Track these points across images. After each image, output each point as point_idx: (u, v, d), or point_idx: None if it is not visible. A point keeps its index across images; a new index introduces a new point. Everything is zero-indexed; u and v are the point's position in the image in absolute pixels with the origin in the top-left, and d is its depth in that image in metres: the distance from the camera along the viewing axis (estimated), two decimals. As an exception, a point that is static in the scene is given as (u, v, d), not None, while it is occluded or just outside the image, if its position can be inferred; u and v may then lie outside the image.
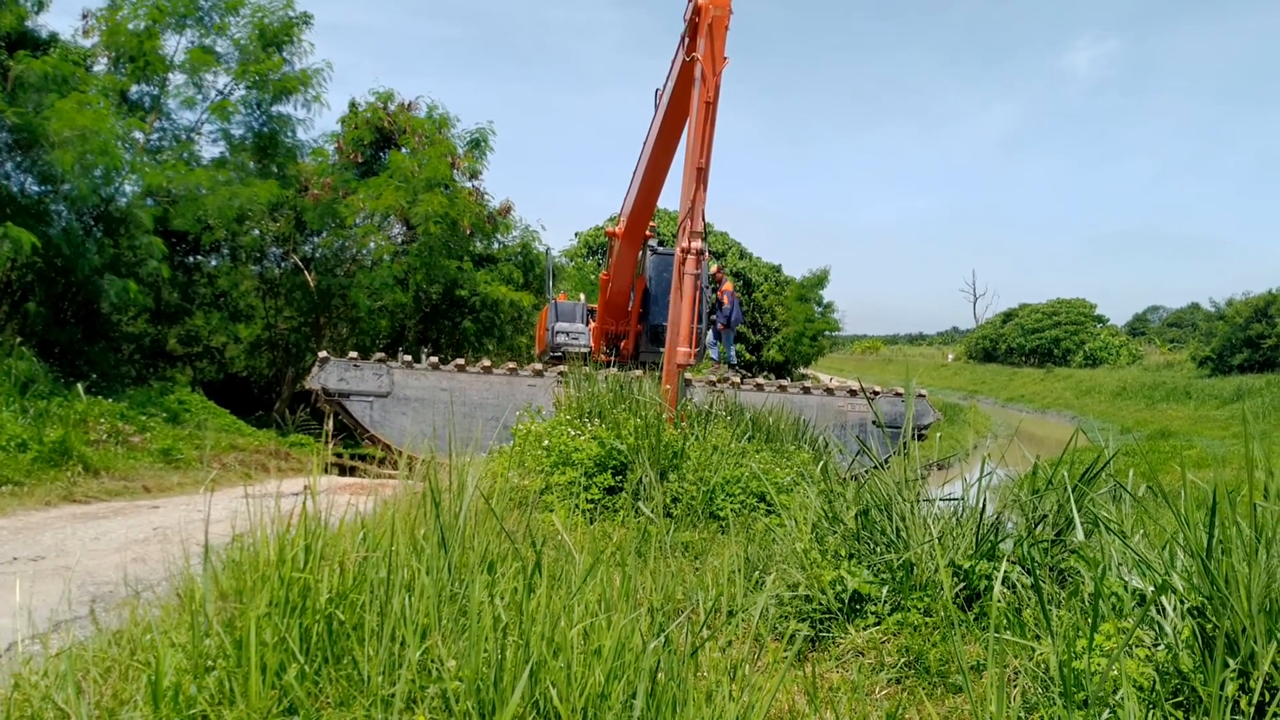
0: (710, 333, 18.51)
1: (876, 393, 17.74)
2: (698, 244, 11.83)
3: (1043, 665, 4.59)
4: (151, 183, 17.66)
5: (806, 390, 17.81)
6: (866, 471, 15.79)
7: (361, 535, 4.29)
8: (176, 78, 19.89)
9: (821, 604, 5.72)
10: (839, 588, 5.75)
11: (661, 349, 17.51)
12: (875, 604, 5.65)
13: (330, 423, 16.32)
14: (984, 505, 5.93)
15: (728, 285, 20.00)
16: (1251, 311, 50.12)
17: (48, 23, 19.24)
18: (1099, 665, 4.07)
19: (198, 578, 5.25)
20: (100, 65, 19.23)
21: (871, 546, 6.35)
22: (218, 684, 3.42)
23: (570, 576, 4.48)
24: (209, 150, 20.70)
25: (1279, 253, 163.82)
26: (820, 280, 52.53)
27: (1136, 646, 4.29)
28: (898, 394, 17.84)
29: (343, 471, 16.67)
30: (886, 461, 17.04)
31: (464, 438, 14.99)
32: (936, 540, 6.08)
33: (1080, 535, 5.66)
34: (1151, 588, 5.00)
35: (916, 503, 6.54)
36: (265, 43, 20.36)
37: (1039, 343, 75.27)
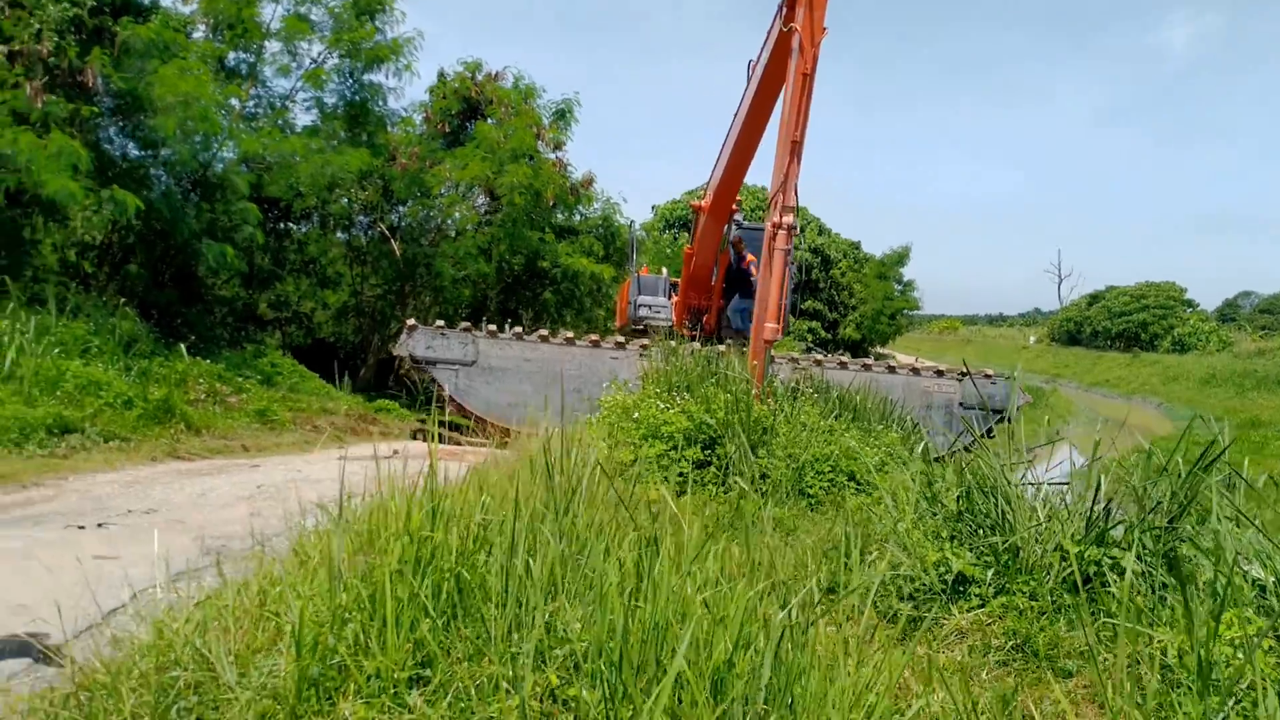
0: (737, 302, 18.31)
1: (965, 374, 17.49)
2: (789, 219, 11.74)
3: (1162, 653, 4.53)
4: (247, 149, 18.01)
5: (892, 369, 17.62)
6: (952, 453, 15.67)
7: (483, 499, 4.35)
8: (272, 45, 20.23)
9: (924, 584, 5.70)
10: (943, 569, 5.72)
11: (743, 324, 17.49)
12: (979, 586, 5.61)
13: (423, 390, 16.57)
14: (1098, 488, 5.83)
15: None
16: (1350, 299, 48.46)
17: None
18: (1224, 655, 4.01)
19: (313, 534, 5.43)
20: (199, 32, 19.60)
21: (973, 528, 6.30)
22: (354, 635, 3.52)
23: (685, 547, 4.52)
24: (301, 118, 21.04)
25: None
26: (901, 258, 51.89)
27: (1262, 637, 4.22)
28: (987, 375, 17.58)
29: (425, 437, 16.95)
30: (973, 444, 16.89)
31: (547, 408, 15.20)
32: (1044, 524, 6.03)
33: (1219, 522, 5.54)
34: (1273, 578, 4.92)
35: (1021, 486, 6.48)
36: (358, 11, 20.56)
37: (1125, 326, 73.45)
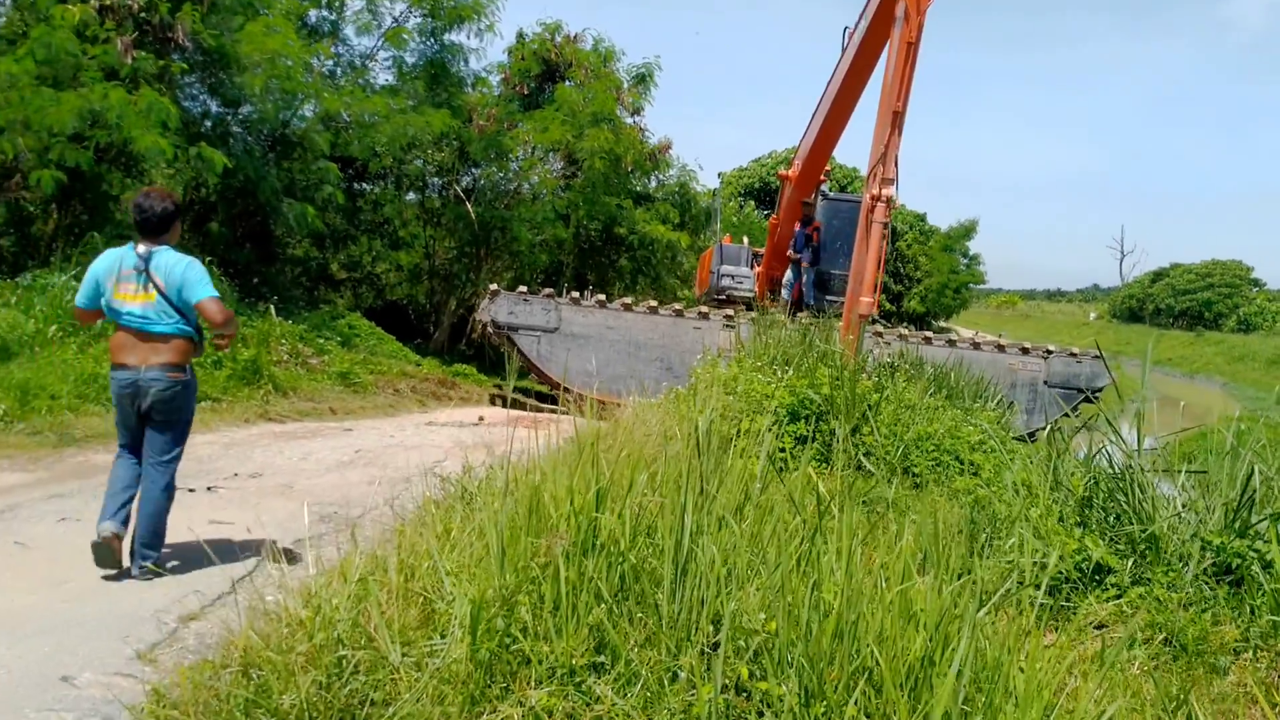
0: (792, 270, 17.94)
1: (1050, 351, 17.16)
2: (889, 191, 11.54)
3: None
4: (329, 108, 18.01)
5: (976, 346, 17.32)
6: (1033, 433, 15.37)
7: (646, 477, 4.22)
8: (354, 4, 20.24)
9: (1059, 573, 5.53)
10: (1080, 557, 5.55)
11: (829, 296, 17.24)
12: (1115, 575, 5.45)
13: (505, 356, 16.55)
14: (1251, 476, 5.61)
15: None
16: None
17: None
18: None
19: (439, 505, 5.35)
20: (282, -11, 19.61)
21: (1104, 515, 6.12)
22: (526, 619, 3.43)
23: (842, 532, 4.39)
24: (381, 77, 21.05)
25: None
26: (968, 231, 51.32)
27: None
28: (1072, 354, 17.24)
29: (505, 404, 16.96)
30: (1055, 424, 16.59)
31: (629, 376, 15.14)
32: (1179, 514, 5.83)
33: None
34: None
35: (1156, 473, 6.28)
36: (441, -31, 20.48)
37: (1189, 304, 72.10)
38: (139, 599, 4.85)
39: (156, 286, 5.13)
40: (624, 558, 3.66)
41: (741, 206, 44.74)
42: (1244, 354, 54.37)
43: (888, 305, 45.52)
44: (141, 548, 5.21)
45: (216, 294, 5.26)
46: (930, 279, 48.36)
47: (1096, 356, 17.13)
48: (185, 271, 5.18)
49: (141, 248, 5.20)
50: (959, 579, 3.81)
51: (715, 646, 3.22)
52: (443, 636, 3.49)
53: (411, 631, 3.58)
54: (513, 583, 3.60)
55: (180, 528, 5.57)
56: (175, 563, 5.44)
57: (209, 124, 17.64)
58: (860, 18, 13.56)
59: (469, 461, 6.28)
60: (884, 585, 3.53)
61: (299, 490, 7.59)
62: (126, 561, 5.23)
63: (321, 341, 15.74)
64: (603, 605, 3.44)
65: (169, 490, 5.36)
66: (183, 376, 5.26)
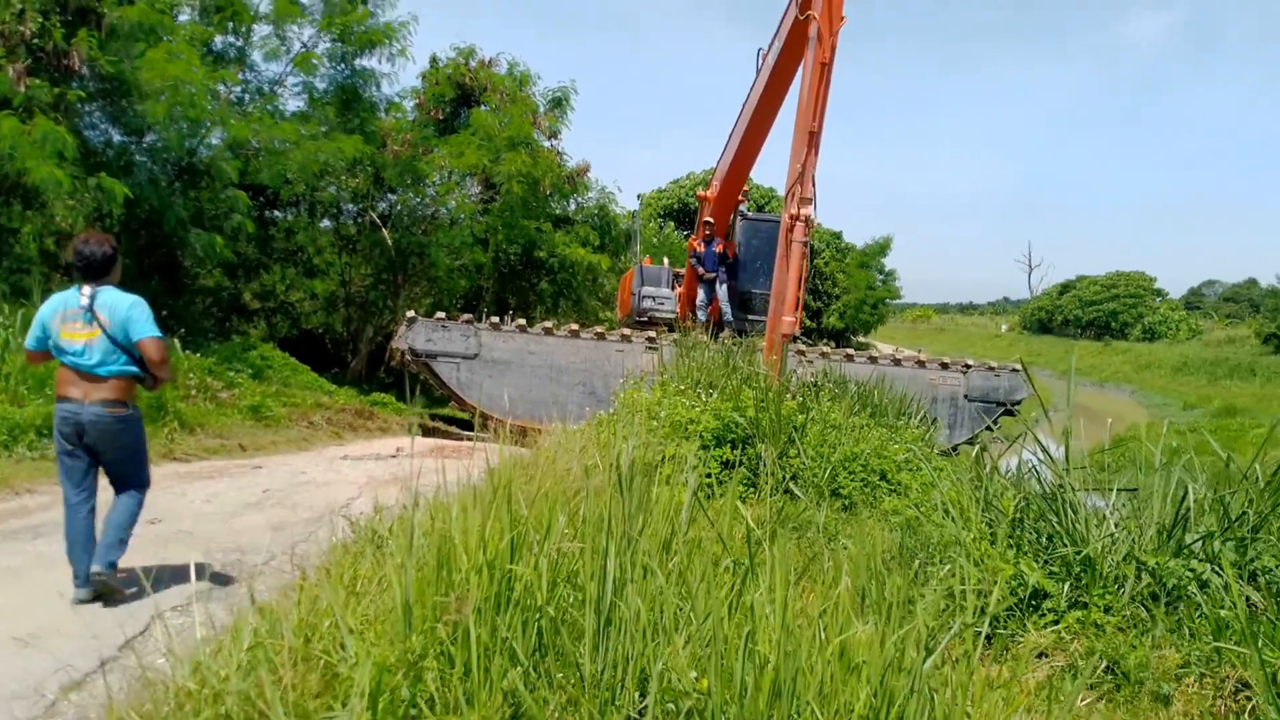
0: (704, 290, 17.87)
1: (969, 366, 17.27)
2: (808, 210, 11.48)
3: (1272, 678, 4.24)
4: (237, 135, 17.47)
5: (898, 362, 17.36)
6: (955, 447, 15.39)
7: (565, 519, 3.95)
8: (261, 29, 19.66)
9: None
10: (1016, 583, 5.42)
11: (750, 316, 17.16)
12: (1052, 600, 5.32)
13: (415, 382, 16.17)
14: (1186, 497, 5.53)
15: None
16: (1320, 287, 48.89)
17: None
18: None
19: (348, 551, 5.03)
20: (185, 15, 19.02)
21: (1036, 537, 6.01)
22: (433, 686, 3.14)
23: (771, 567, 4.17)
24: (291, 104, 20.50)
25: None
26: (883, 248, 51.96)
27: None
28: (990, 368, 17.37)
29: (426, 433, 16.54)
30: (975, 439, 16.63)
31: (552, 401, 14.84)
32: (1113, 534, 5.73)
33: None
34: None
35: (1087, 492, 6.20)
36: (351, -6, 20.08)
37: (1096, 315, 74.34)
38: (21, 667, 4.46)
39: (101, 325, 5.40)
40: (541, 611, 3.40)
41: (661, 227, 44.74)
42: (1150, 362, 55.95)
43: (808, 322, 45.83)
44: (105, 547, 5.50)
45: (159, 334, 5.54)
46: (848, 295, 48.83)
47: (1014, 370, 17.28)
48: (130, 310, 5.45)
49: (86, 289, 5.45)
50: (900, 619, 3.61)
51: (643, 712, 2.98)
52: (344, 705, 3.18)
53: (310, 701, 3.26)
54: (419, 646, 3.31)
55: (69, 586, 5.30)
56: (63, 625, 5.04)
57: (111, 153, 17.01)
58: (774, 39, 13.55)
59: (381, 500, 5.96)
60: (823, 633, 3.31)
61: (200, 537, 7.18)
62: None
63: (232, 374, 15.20)
64: (518, 668, 3.16)
65: (138, 506, 5.84)
66: (124, 412, 5.56)
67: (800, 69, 12.01)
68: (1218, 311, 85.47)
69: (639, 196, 48.76)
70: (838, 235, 51.72)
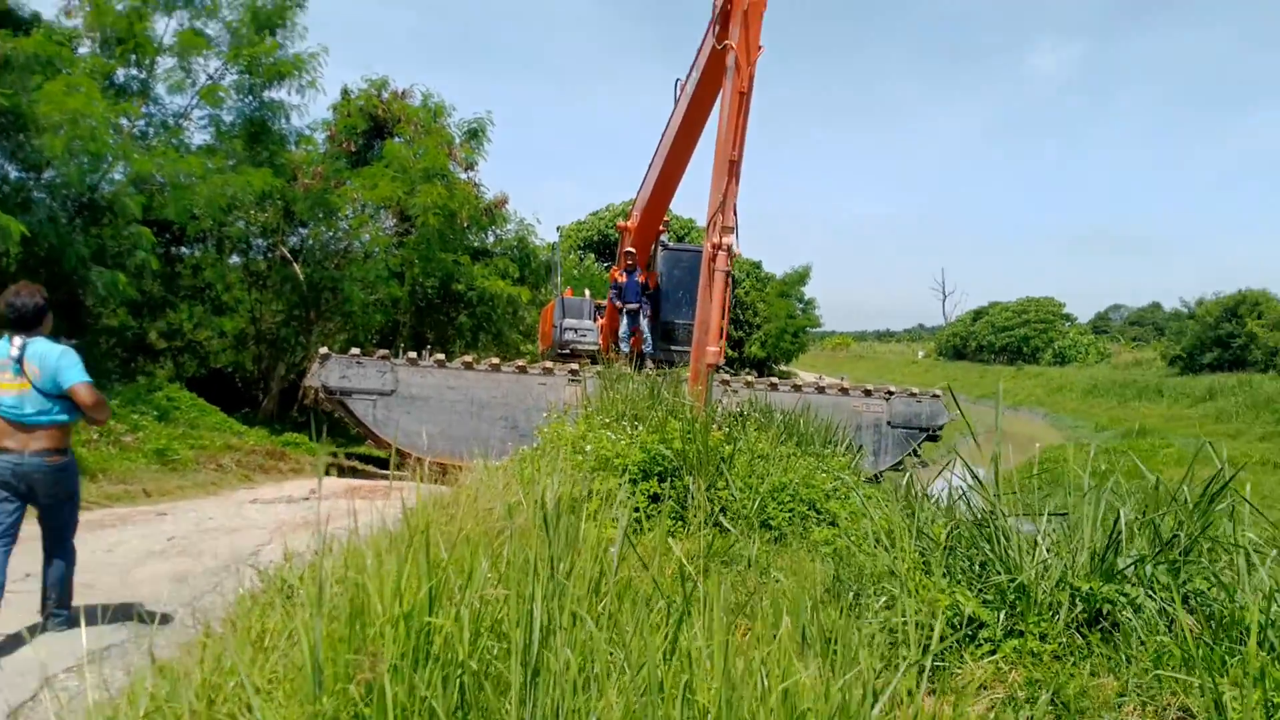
0: (628, 320, 17.75)
1: (891, 392, 17.36)
2: (729, 239, 11.40)
3: (1215, 704, 4.17)
4: (140, 170, 16.90)
5: (821, 390, 17.41)
6: (880, 474, 15.43)
7: (488, 564, 3.73)
8: (165, 61, 19.15)
9: (931, 629, 5.27)
10: (952, 613, 5.30)
11: (674, 346, 17.05)
12: (989, 629, 5.22)
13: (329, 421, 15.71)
14: (1118, 520, 5.48)
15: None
16: (1221, 311, 50.62)
17: (28, 1, 18.33)
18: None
19: (254, 602, 4.72)
20: (85, 47, 18.45)
21: (969, 564, 5.93)
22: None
23: (706, 605, 3.98)
24: (197, 137, 19.99)
25: (1237, 253, 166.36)
26: (802, 277, 52.51)
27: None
28: (912, 394, 17.49)
29: (342, 473, 16.08)
30: (899, 464, 16.68)
31: (473, 438, 14.53)
32: (1046, 560, 5.66)
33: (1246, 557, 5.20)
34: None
35: (1016, 517, 6.13)
36: (258, 25, 19.61)
37: (1008, 340, 76.05)
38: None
39: (30, 377, 5.54)
40: (463, 666, 3.15)
41: (582, 259, 44.64)
42: (1061, 385, 57.33)
43: (730, 352, 45.98)
44: (55, 609, 5.80)
45: (88, 379, 5.71)
46: (769, 324, 49.15)
47: (935, 396, 17.43)
48: (59, 359, 5.63)
49: (17, 340, 5.60)
50: (843, 659, 3.45)
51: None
52: (250, 776, 2.91)
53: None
54: (331, 708, 3.05)
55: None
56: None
57: (7, 190, 16.32)
58: (691, 69, 13.53)
59: (291, 546, 5.67)
60: (765, 680, 3.12)
61: (99, 589, 6.77)
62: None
63: (136, 417, 14.61)
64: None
65: (70, 556, 5.99)
66: (61, 460, 5.71)
67: (719, 98, 11.98)
68: (1124, 335, 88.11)
69: (559, 229, 48.62)
70: (758, 265, 52.14)
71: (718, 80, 11.90)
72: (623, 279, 17.46)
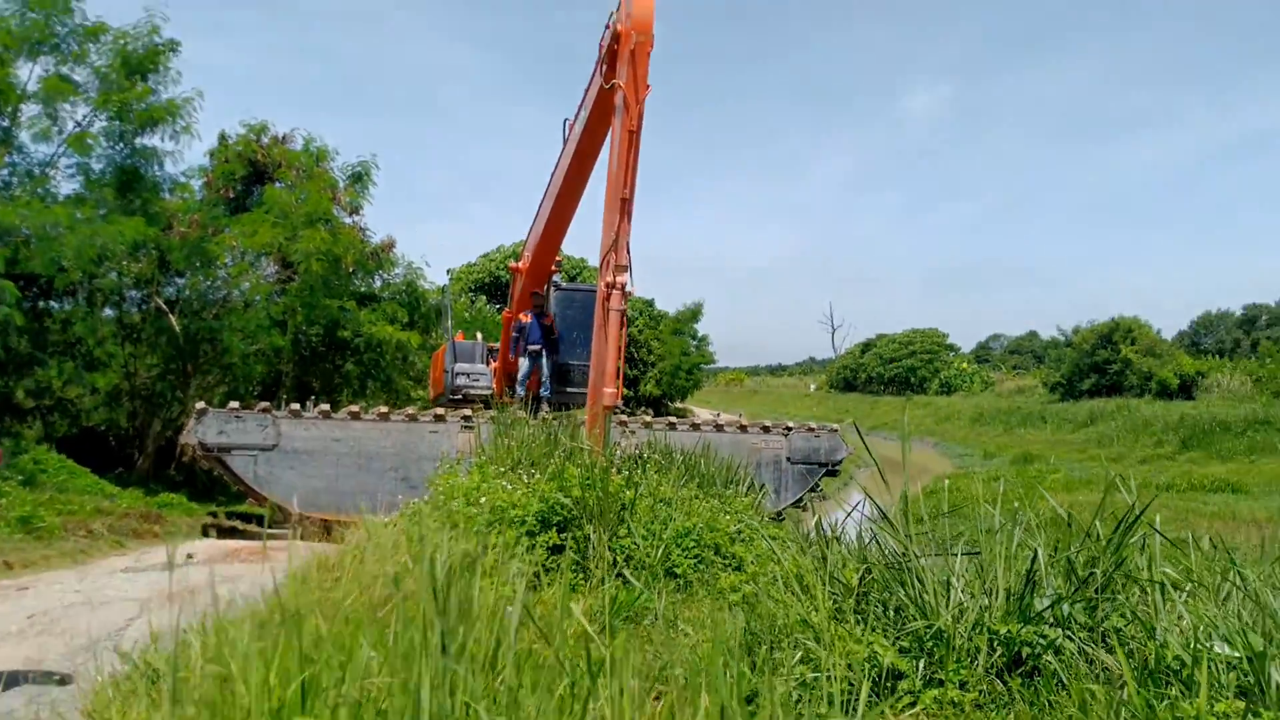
0: (529, 361, 17.40)
1: (790, 428, 17.30)
2: (622, 278, 11.18)
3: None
4: (3, 221, 16.02)
5: (720, 428, 17.24)
6: (781, 512, 15.28)
7: (369, 647, 3.35)
8: (30, 108, 18.30)
9: (850, 684, 5.03)
10: (870, 665, 5.08)
11: (570, 388, 16.71)
12: (908, 680, 5.00)
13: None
14: (1035, 559, 5.33)
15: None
16: (1097, 338, 52.51)
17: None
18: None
19: (116, 691, 4.27)
20: (-61, 95, 17.50)
21: (882, 610, 5.72)
22: None
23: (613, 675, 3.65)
24: (65, 186, 19.12)
25: (1107, 281, 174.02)
26: (694, 314, 52.82)
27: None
28: (810, 429, 17.45)
29: (222, 534, 15.29)
30: (800, 501, 16.56)
31: (362, 492, 13.94)
32: (962, 603, 5.48)
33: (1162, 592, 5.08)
34: (1244, 655, 4.48)
35: (931, 559, 5.95)
36: (129, 70, 18.88)
37: (897, 371, 77.80)
38: None
39: None
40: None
41: (473, 302, 44.07)
42: (949, 414, 58.72)
43: (626, 391, 45.79)
44: None
45: None
46: (663, 362, 49.17)
47: (833, 430, 17.42)
48: None
49: None
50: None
51: None
52: None
53: None
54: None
55: None
56: None
57: None
58: (580, 109, 13.38)
59: (162, 622, 5.18)
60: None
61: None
62: None
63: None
64: None
65: None
66: None
67: (608, 137, 11.82)
68: (1005, 363, 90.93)
69: (449, 271, 48.06)
70: (650, 303, 52.20)
71: (606, 119, 11.74)
72: (527, 319, 17.10)
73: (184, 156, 24.33)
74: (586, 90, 12.95)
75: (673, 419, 17.72)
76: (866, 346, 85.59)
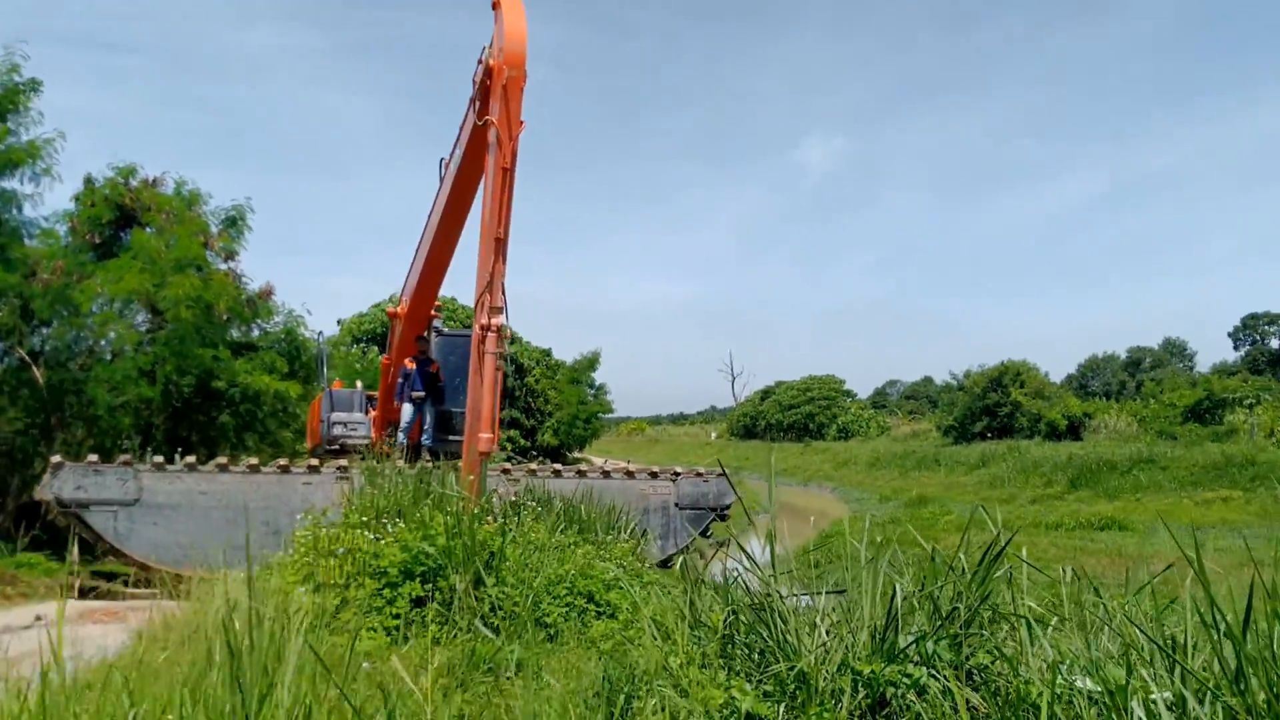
0: (414, 410, 16.98)
1: (678, 474, 17.11)
2: (498, 320, 10.92)
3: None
4: None
5: (607, 474, 16.97)
6: (669, 558, 15.06)
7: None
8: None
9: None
10: (728, 711, 4.83)
11: (452, 436, 16.27)
12: (770, 725, 4.77)
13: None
14: (895, 597, 5.14)
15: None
16: (987, 382, 53.83)
17: None
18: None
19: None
20: None
21: (747, 653, 5.49)
22: None
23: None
24: (-87, 234, 18.09)
25: (997, 328, 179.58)
26: (591, 363, 52.69)
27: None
28: (698, 474, 17.29)
29: (83, 594, 14.42)
30: (689, 546, 16.35)
31: (230, 547, 13.28)
32: (825, 643, 5.27)
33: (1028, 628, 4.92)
34: (1103, 689, 4.34)
35: (796, 597, 5.75)
36: (-15, 111, 18.05)
37: (795, 418, 78.76)
38: None
39: None
40: None
41: (365, 352, 43.17)
42: (847, 459, 59.48)
43: (523, 441, 45.39)
44: None
45: None
46: (561, 411, 48.81)
47: (720, 474, 17.27)
48: None
49: None
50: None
51: None
52: None
53: None
54: None
55: None
56: None
57: None
58: (455, 146, 13.16)
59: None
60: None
61: None
62: None
63: None
64: None
65: None
66: None
67: (484, 176, 11.60)
68: (901, 408, 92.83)
69: (339, 321, 47.04)
70: (547, 352, 51.90)
71: (480, 157, 11.53)
72: (411, 366, 16.67)
73: (44, 200, 23.31)
74: (461, 127, 12.75)
75: (558, 466, 17.40)
76: (766, 394, 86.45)
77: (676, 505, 16.80)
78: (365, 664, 5.92)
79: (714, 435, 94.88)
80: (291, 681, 3.51)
